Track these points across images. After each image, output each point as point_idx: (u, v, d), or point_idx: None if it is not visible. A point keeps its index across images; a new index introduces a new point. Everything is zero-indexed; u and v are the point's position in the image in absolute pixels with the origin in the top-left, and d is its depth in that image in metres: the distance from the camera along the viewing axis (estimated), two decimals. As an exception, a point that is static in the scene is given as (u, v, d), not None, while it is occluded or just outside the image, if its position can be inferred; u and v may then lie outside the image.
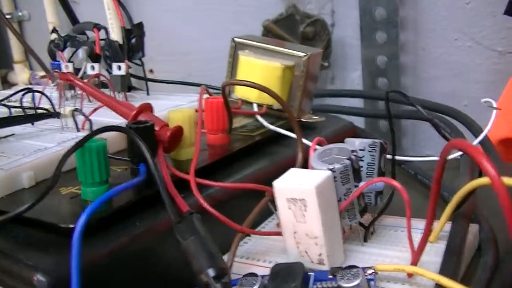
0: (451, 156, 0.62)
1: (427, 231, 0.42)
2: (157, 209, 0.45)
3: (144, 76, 0.81)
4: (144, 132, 0.47)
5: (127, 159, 0.49)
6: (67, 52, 0.78)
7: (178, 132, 0.51)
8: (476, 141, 0.62)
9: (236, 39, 0.66)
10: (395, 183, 0.42)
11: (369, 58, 1.00)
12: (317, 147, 0.47)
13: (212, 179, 0.50)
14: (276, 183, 0.43)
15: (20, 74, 1.31)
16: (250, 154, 0.58)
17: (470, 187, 0.43)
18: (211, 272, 0.37)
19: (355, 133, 0.70)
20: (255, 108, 0.63)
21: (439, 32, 0.97)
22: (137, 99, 0.76)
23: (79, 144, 0.43)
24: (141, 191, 0.46)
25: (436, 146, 0.77)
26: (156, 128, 0.50)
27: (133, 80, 0.82)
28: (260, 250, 0.49)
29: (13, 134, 0.58)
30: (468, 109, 0.93)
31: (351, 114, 0.85)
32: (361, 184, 0.45)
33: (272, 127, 0.61)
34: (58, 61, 0.74)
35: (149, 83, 0.82)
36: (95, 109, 0.59)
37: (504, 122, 0.87)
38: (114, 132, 0.54)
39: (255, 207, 0.48)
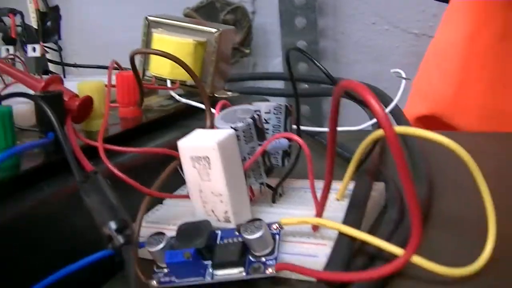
0: (362, 126, 0.64)
1: (328, 180, 0.43)
2: (66, 175, 0.45)
3: (60, 60, 0.81)
4: (52, 101, 0.47)
5: (35, 129, 0.50)
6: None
7: (87, 101, 0.51)
8: (387, 110, 0.64)
9: (150, 17, 0.67)
10: (296, 137, 0.44)
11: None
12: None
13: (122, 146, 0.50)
14: (180, 143, 0.44)
15: None
16: (162, 127, 0.59)
17: (370, 140, 0.45)
18: (112, 225, 0.38)
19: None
20: (169, 84, 0.64)
21: (358, 16, 1.00)
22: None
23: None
24: (49, 157, 0.46)
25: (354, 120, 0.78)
26: (66, 98, 0.50)
27: (51, 66, 0.82)
28: (171, 215, 0.49)
29: None
30: (388, 92, 0.95)
31: (270, 94, 0.86)
32: (264, 142, 0.46)
33: (183, 100, 0.61)
34: None
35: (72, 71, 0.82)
36: (5, 87, 0.59)
37: (419, 100, 0.90)
38: (25, 107, 0.54)
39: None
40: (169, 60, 0.62)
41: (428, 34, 0.99)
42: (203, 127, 0.55)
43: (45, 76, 0.74)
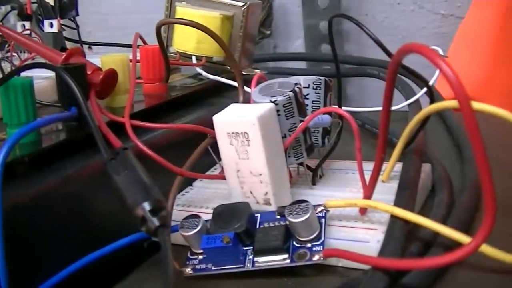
0: (398, 107, 0.60)
1: (379, 159, 0.39)
2: (90, 152, 0.42)
3: (79, 38, 0.77)
4: (74, 73, 0.44)
5: (57, 104, 0.46)
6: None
7: (111, 75, 0.48)
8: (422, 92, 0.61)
9: (173, -9, 0.63)
10: (342, 111, 0.40)
11: (311, 25, 0.98)
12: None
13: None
14: (216, 117, 0.41)
15: None
16: (188, 105, 0.55)
17: (420, 117, 0.41)
18: (146, 206, 0.34)
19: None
20: (194, 60, 0.60)
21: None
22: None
23: (2, 81, 0.40)
24: (72, 132, 0.43)
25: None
26: (88, 72, 0.46)
27: (68, 43, 0.78)
28: (203, 197, 0.46)
29: None
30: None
31: (295, 75, 0.83)
32: (306, 118, 0.42)
33: (211, 76, 0.58)
34: None
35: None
36: (25, 59, 0.56)
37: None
38: (46, 82, 0.51)
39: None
40: (195, 35, 0.59)
41: (455, 15, 0.95)
42: (231, 103, 0.52)
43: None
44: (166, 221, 0.34)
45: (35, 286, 0.35)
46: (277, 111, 0.41)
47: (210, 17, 0.60)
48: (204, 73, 0.58)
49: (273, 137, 0.40)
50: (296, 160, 0.43)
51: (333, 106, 0.47)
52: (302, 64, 0.97)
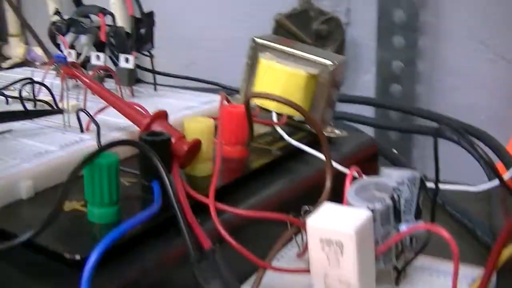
0: (483, 187, 0.57)
1: (489, 273, 0.37)
2: (171, 235, 0.40)
3: (152, 68, 0.75)
4: (159, 147, 0.42)
5: (138, 173, 0.45)
6: (69, 36, 0.73)
7: (196, 146, 0.46)
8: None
9: (258, 40, 0.61)
10: (444, 233, 0.37)
11: (384, 62, 0.95)
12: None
13: (229, 200, 0.45)
14: (311, 222, 0.38)
15: (15, 48, 1.26)
16: (268, 171, 0.53)
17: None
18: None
19: (376, 150, 0.65)
20: (274, 118, 0.58)
21: (460, 40, 0.92)
22: (144, 96, 0.70)
23: (88, 160, 0.38)
24: (155, 217, 0.41)
25: (458, 170, 0.71)
26: (172, 140, 0.45)
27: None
28: (280, 283, 0.44)
29: (10, 130, 0.53)
30: (484, 124, 0.88)
31: (360, 122, 0.80)
32: (402, 227, 0.40)
33: (295, 142, 0.55)
34: (63, 55, 0.67)
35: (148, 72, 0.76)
36: (102, 109, 0.54)
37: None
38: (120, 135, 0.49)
39: (274, 232, 0.44)
40: (278, 90, 0.57)
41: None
42: (314, 174, 0.50)
43: (135, 88, 0.69)
44: None
45: None
46: (373, 218, 0.39)
47: (295, 75, 0.58)
48: (286, 137, 0.56)
49: (367, 246, 0.38)
50: (385, 265, 0.41)
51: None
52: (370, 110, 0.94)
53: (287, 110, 0.58)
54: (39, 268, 0.37)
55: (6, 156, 0.47)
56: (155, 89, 0.73)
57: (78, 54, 0.73)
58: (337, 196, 0.44)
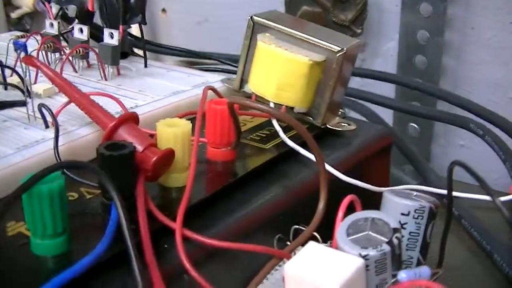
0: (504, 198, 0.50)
1: None
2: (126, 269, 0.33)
3: (142, 41, 0.68)
4: (120, 162, 0.36)
5: (95, 185, 0.39)
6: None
7: (167, 156, 0.39)
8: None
9: (256, 19, 0.53)
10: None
11: (409, 30, 0.87)
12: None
13: (206, 217, 0.40)
14: (289, 267, 0.32)
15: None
16: (260, 174, 0.46)
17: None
18: None
19: (390, 143, 0.58)
20: (271, 109, 0.51)
21: (494, 12, 0.83)
22: (131, 74, 0.63)
23: (25, 187, 0.32)
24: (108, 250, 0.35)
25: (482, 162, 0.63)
26: (139, 149, 0.38)
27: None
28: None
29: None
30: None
31: (379, 104, 0.73)
32: (401, 274, 0.33)
33: (290, 142, 0.48)
34: (22, 42, 0.58)
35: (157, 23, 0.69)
36: (65, 105, 0.47)
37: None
38: (88, 136, 0.43)
39: (256, 255, 0.38)
40: (276, 79, 0.50)
41: None
42: (311, 179, 0.44)
43: (124, 65, 0.63)
44: None
45: None
46: (367, 266, 0.32)
47: (296, 61, 0.50)
48: (281, 134, 0.48)
49: (356, 300, 0.32)
50: (378, 316, 0.34)
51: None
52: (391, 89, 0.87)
53: (285, 101, 0.51)
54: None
55: None
56: (145, 65, 0.65)
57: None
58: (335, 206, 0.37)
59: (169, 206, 0.39)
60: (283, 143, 0.49)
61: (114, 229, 0.34)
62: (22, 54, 0.53)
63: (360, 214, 0.35)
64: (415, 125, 0.89)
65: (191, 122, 0.42)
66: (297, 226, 0.40)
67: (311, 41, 0.51)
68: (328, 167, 0.44)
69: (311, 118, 0.52)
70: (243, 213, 0.42)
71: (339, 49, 0.50)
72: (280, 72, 0.50)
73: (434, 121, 0.88)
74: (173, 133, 0.40)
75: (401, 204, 0.36)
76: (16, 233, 0.36)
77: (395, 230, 0.33)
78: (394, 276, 0.33)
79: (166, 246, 0.36)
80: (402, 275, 0.33)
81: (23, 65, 0.48)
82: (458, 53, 0.87)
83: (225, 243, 0.36)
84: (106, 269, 0.34)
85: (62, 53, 0.62)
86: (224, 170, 0.45)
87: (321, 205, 0.40)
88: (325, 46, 0.51)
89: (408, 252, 0.36)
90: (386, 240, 0.33)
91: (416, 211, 0.36)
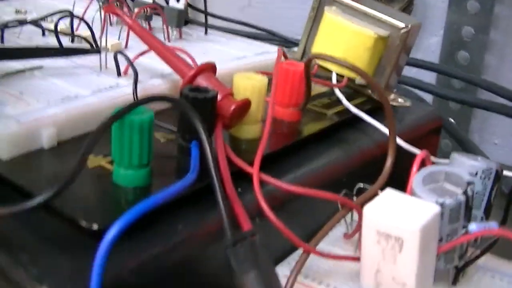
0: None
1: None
2: (206, 206, 0.35)
3: (204, 9, 0.69)
4: (203, 105, 0.37)
5: (174, 129, 0.40)
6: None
7: (245, 106, 0.41)
8: None
9: (324, -9, 0.55)
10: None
11: (454, 26, 0.88)
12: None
13: (275, 170, 0.40)
14: (368, 210, 0.33)
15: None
16: (322, 139, 0.47)
17: None
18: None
19: (440, 124, 0.59)
20: (334, 80, 0.52)
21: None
22: (192, 39, 0.64)
23: (118, 115, 0.33)
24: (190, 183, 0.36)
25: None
26: (218, 97, 0.39)
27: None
28: (323, 269, 0.39)
29: (40, 67, 0.48)
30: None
31: (418, 88, 0.74)
32: (472, 227, 0.34)
33: (354, 109, 0.49)
34: None
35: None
36: (143, 53, 0.49)
37: None
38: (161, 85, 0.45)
39: (322, 209, 0.40)
40: (341, 50, 0.51)
41: None
42: (372, 146, 0.46)
43: (184, 30, 0.64)
44: None
45: None
46: (441, 214, 0.33)
47: (363, 34, 0.51)
48: (344, 101, 0.50)
49: (430, 246, 0.33)
50: (445, 265, 0.36)
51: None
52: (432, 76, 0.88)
53: (348, 72, 0.52)
54: (53, 233, 0.32)
55: (31, 97, 0.42)
56: (205, 32, 0.67)
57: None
58: (397, 178, 0.39)
59: (242, 155, 0.40)
60: (344, 111, 0.50)
61: (198, 163, 0.35)
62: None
63: (434, 168, 0.36)
64: (452, 120, 0.90)
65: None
66: (361, 185, 0.41)
67: (376, 17, 0.52)
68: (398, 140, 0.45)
69: (370, 91, 0.54)
70: (311, 168, 0.43)
71: (404, 26, 0.52)
72: (346, 44, 0.52)
73: (471, 117, 0.89)
74: (250, 85, 0.42)
75: (469, 164, 0.38)
76: (96, 166, 0.37)
77: (469, 183, 0.34)
78: (464, 227, 0.34)
79: (239, 189, 0.37)
80: (473, 226, 0.34)
81: (103, 14, 0.49)
82: (502, 51, 0.88)
83: (301, 189, 0.37)
84: (185, 206, 0.35)
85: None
86: (291, 129, 0.47)
87: (388, 162, 0.41)
88: (390, 22, 0.52)
89: (473, 211, 0.37)
90: (462, 190, 0.34)
91: (484, 171, 0.38)
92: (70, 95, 0.43)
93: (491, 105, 0.70)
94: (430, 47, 0.94)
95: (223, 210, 0.32)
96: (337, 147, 0.47)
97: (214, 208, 0.33)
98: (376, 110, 0.51)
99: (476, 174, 0.38)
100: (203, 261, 0.35)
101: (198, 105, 0.37)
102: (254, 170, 0.37)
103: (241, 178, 0.38)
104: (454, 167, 0.36)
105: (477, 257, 0.38)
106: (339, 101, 0.51)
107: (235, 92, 0.42)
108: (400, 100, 0.56)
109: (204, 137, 0.34)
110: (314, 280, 0.38)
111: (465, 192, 0.34)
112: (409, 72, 0.85)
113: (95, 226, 0.31)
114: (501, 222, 0.38)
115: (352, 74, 0.52)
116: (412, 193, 0.35)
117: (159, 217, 0.33)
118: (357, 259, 0.36)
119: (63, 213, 0.32)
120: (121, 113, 0.33)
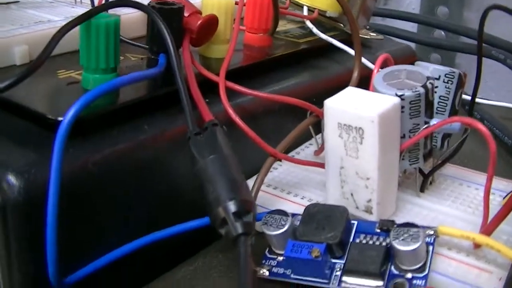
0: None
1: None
2: (172, 112, 0.36)
3: None
4: (169, 15, 0.38)
5: (145, 46, 0.40)
6: None
7: (211, 22, 0.41)
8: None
9: None
10: (481, 126, 0.32)
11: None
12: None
13: (245, 84, 0.40)
14: (329, 102, 0.34)
15: None
16: (293, 64, 0.48)
17: None
18: (231, 206, 0.28)
19: (414, 59, 0.60)
20: (305, 12, 0.53)
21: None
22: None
23: (84, 17, 0.34)
24: (156, 88, 0.37)
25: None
26: (185, 14, 0.40)
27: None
28: (292, 180, 0.40)
29: (17, 1, 0.49)
30: None
31: (401, 37, 0.74)
32: (433, 121, 0.35)
33: (323, 35, 0.50)
34: None
35: None
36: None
37: None
38: (134, 14, 0.45)
39: (291, 126, 0.40)
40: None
41: None
42: (343, 73, 0.46)
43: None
44: (250, 229, 0.29)
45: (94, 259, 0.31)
46: (402, 107, 0.34)
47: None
48: (315, 30, 0.51)
49: (391, 138, 0.34)
50: (411, 165, 0.36)
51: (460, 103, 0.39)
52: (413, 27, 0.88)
53: (319, 4, 0.53)
54: (16, 129, 0.33)
55: (5, 23, 0.43)
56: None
57: None
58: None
59: (210, 71, 0.40)
60: (315, 41, 0.51)
61: (164, 62, 0.36)
62: None
63: (395, 67, 0.37)
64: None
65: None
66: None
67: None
68: (364, 60, 0.46)
69: (341, 24, 0.54)
70: (279, 87, 0.44)
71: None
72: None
73: (455, 61, 0.89)
74: (217, 2, 0.42)
75: (432, 68, 0.38)
76: (66, 76, 0.38)
77: (429, 78, 0.35)
78: (427, 124, 0.35)
79: (207, 100, 0.37)
80: (434, 121, 0.35)
81: None
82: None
83: (266, 94, 0.38)
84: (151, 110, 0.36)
85: None
86: (261, 52, 0.47)
87: (355, 74, 0.42)
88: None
89: (438, 116, 0.38)
90: (421, 84, 0.35)
91: (446, 75, 0.38)
92: (43, 19, 0.44)
93: (468, 47, 0.71)
94: (410, 4, 0.94)
95: (185, 103, 0.33)
96: (307, 72, 0.48)
97: (182, 113, 0.34)
98: (347, 42, 0.52)
99: (439, 78, 0.38)
100: (167, 164, 0.36)
101: (165, 15, 0.37)
102: (220, 78, 0.38)
103: (208, 91, 0.38)
104: (415, 66, 0.37)
105: (443, 162, 0.39)
106: (311, 33, 0.52)
107: (203, 10, 0.42)
108: (372, 34, 0.57)
109: (169, 41, 0.35)
110: (283, 191, 0.39)
111: (424, 86, 0.34)
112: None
113: (59, 118, 0.31)
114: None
115: (323, 6, 0.53)
116: (374, 90, 0.35)
117: (126, 118, 0.34)
118: (322, 165, 0.37)
119: (30, 108, 0.32)
120: (88, 15, 0.34)
